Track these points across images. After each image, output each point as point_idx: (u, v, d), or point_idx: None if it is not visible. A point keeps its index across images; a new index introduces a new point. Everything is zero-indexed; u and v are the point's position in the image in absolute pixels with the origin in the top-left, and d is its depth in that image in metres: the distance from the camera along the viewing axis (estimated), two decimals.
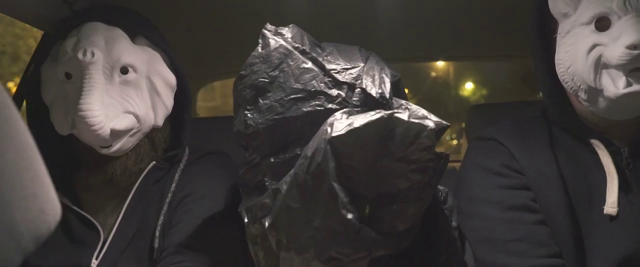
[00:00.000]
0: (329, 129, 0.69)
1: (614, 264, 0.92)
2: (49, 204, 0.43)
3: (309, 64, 0.79)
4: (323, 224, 0.69)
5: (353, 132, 0.68)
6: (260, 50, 0.82)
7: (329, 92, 0.78)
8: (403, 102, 0.78)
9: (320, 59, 0.80)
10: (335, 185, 0.68)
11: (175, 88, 1.13)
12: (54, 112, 1.05)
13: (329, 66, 0.80)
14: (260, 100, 0.80)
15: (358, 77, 0.79)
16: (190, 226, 1.02)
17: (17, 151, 0.40)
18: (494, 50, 1.95)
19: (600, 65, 0.91)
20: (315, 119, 0.76)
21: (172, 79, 1.12)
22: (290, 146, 0.79)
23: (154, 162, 1.13)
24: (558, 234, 0.96)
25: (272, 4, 1.43)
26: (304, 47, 0.81)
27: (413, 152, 0.69)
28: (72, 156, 1.13)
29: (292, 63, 0.80)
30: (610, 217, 0.94)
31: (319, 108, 0.77)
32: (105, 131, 0.98)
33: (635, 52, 0.85)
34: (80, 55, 0.98)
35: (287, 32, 0.83)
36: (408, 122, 0.68)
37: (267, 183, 0.80)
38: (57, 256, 1.02)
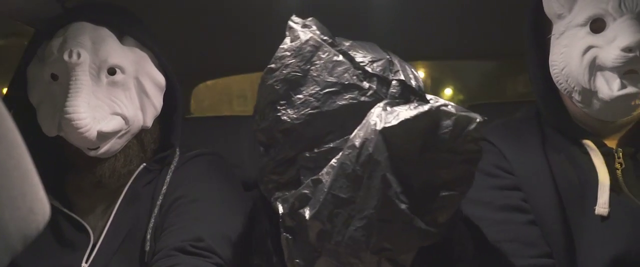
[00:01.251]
0: (378, 120, 0.70)
1: (604, 264, 0.92)
2: (38, 203, 0.42)
3: (340, 57, 0.79)
4: (375, 214, 0.69)
5: (404, 123, 0.69)
6: (289, 42, 0.81)
7: (361, 85, 0.78)
8: (432, 96, 0.78)
9: (348, 52, 0.81)
10: (390, 176, 0.68)
11: (165, 89, 1.12)
12: (41, 113, 1.03)
13: (357, 59, 0.80)
14: (294, 95, 0.79)
15: (385, 69, 0.80)
16: (183, 229, 1.00)
17: (5, 150, 0.40)
18: (486, 50, 1.96)
19: (594, 67, 0.91)
20: (350, 112, 0.76)
21: (160, 79, 1.10)
22: (324, 140, 0.78)
23: (144, 164, 1.11)
24: (549, 234, 0.96)
25: (265, 2, 1.43)
26: (330, 40, 0.81)
27: (461, 143, 0.70)
28: (61, 158, 1.11)
29: (323, 56, 0.79)
30: (602, 218, 0.94)
31: (353, 101, 0.77)
32: (92, 133, 0.97)
33: (631, 54, 0.86)
34: (66, 57, 0.96)
35: (312, 24, 0.83)
36: (457, 115, 0.69)
37: (302, 177, 0.79)
38: (47, 259, 1.00)
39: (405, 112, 0.69)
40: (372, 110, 0.72)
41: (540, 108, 1.08)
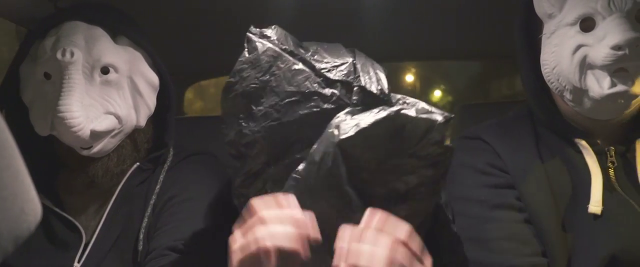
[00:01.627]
0: (335, 131, 0.68)
1: (597, 262, 0.93)
2: (29, 203, 0.42)
3: (300, 65, 0.78)
4: (337, 228, 0.68)
5: (361, 133, 0.67)
6: (247, 54, 0.80)
7: (323, 92, 0.77)
8: (399, 96, 0.77)
9: (309, 59, 0.79)
10: (348, 189, 0.67)
11: (158, 88, 1.12)
12: (33, 112, 1.03)
13: (318, 66, 0.79)
14: (254, 107, 0.78)
15: (349, 73, 0.78)
16: (176, 229, 1.00)
17: None
18: (477, 50, 1.96)
19: (585, 66, 0.92)
20: (313, 121, 0.75)
21: (154, 78, 1.10)
22: (289, 151, 0.77)
23: (138, 163, 1.11)
24: (542, 233, 0.96)
25: (258, 2, 1.43)
26: (291, 48, 0.80)
27: (423, 147, 0.68)
28: (54, 158, 1.11)
29: (282, 65, 0.78)
30: (595, 216, 0.95)
31: (315, 110, 0.76)
32: (85, 132, 0.97)
33: (620, 52, 0.86)
34: (59, 55, 0.96)
35: (272, 33, 0.82)
36: (416, 118, 0.68)
37: (268, 190, 0.78)
38: (39, 259, 1.00)
39: (364, 120, 0.68)
40: (332, 121, 0.71)
41: (532, 108, 1.08)
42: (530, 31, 1.03)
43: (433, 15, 1.58)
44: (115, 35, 1.06)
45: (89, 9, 1.08)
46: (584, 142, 1.00)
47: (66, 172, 1.11)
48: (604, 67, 0.89)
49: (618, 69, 0.89)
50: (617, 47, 0.86)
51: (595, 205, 0.95)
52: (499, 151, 1.04)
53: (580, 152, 1.00)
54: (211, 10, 1.50)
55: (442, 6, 1.52)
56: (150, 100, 1.10)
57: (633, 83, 0.89)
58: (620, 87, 0.89)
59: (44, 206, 1.02)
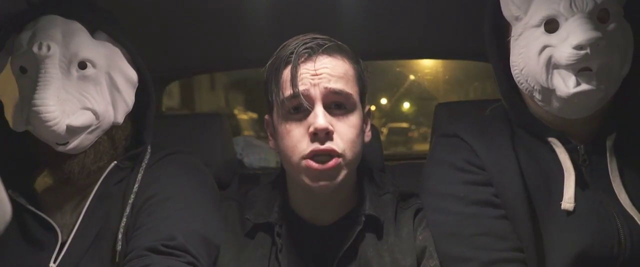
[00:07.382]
0: None
1: (570, 258, 0.95)
2: None
3: None
4: None
5: None
6: None
7: None
8: None
9: None
10: None
11: (137, 84, 1.11)
12: (8, 107, 1.02)
13: None
14: None
15: None
16: (155, 229, 0.99)
17: None
18: (455, 49, 1.99)
19: (551, 66, 0.94)
20: None
21: (133, 75, 1.09)
22: None
23: (116, 162, 1.10)
24: (518, 229, 0.99)
25: (236, 1, 1.43)
26: None
27: None
28: (29, 154, 1.09)
29: None
30: (567, 213, 0.97)
31: None
32: (61, 127, 0.96)
33: (582, 52, 0.88)
34: (35, 49, 0.95)
35: None
36: None
37: None
38: (13, 259, 0.99)
39: None
40: None
41: (506, 107, 1.11)
42: (500, 34, 1.05)
43: (412, 13, 1.59)
44: (93, 30, 1.05)
45: (67, 3, 1.07)
46: (556, 141, 1.02)
47: (41, 170, 1.10)
48: (568, 67, 0.91)
49: (582, 69, 0.91)
50: (579, 47, 0.88)
51: (568, 202, 0.97)
52: (476, 148, 1.05)
53: (553, 151, 1.02)
54: (188, 10, 1.49)
55: (422, 5, 1.53)
56: (128, 96, 1.09)
57: (598, 81, 0.91)
58: (584, 86, 0.91)
59: (19, 204, 1.01)
